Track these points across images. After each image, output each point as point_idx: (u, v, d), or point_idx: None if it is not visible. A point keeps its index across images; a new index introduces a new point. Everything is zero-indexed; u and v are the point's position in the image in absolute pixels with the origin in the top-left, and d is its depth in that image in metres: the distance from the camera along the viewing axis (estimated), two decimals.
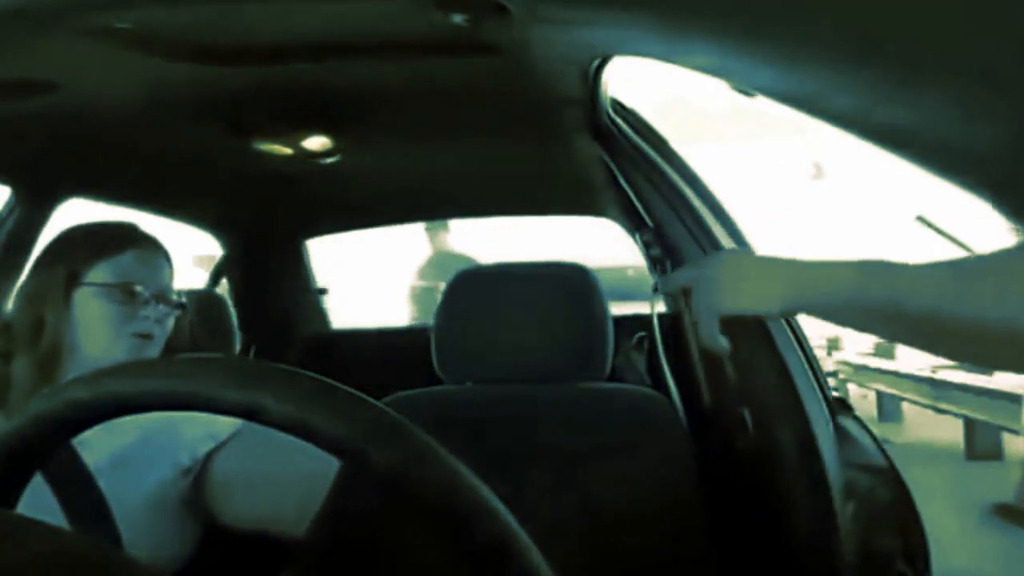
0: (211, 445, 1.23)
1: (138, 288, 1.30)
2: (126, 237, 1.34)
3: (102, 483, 0.82)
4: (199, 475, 1.23)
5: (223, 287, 2.83)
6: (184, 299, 1.38)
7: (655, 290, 1.67)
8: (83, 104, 1.44)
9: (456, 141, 1.95)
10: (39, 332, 1.27)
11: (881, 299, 0.77)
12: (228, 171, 2.04)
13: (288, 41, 1.26)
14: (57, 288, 1.28)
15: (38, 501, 0.66)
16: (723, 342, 0.95)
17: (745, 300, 0.92)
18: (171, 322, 1.35)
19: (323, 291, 3.10)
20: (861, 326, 0.84)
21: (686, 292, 1.01)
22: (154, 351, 1.32)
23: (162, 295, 1.33)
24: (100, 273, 1.29)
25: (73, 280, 1.28)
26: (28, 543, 0.46)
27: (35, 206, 1.81)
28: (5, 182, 1.80)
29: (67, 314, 1.27)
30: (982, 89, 0.43)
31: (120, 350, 1.27)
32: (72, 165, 1.82)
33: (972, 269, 0.72)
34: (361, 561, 1.29)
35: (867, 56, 0.52)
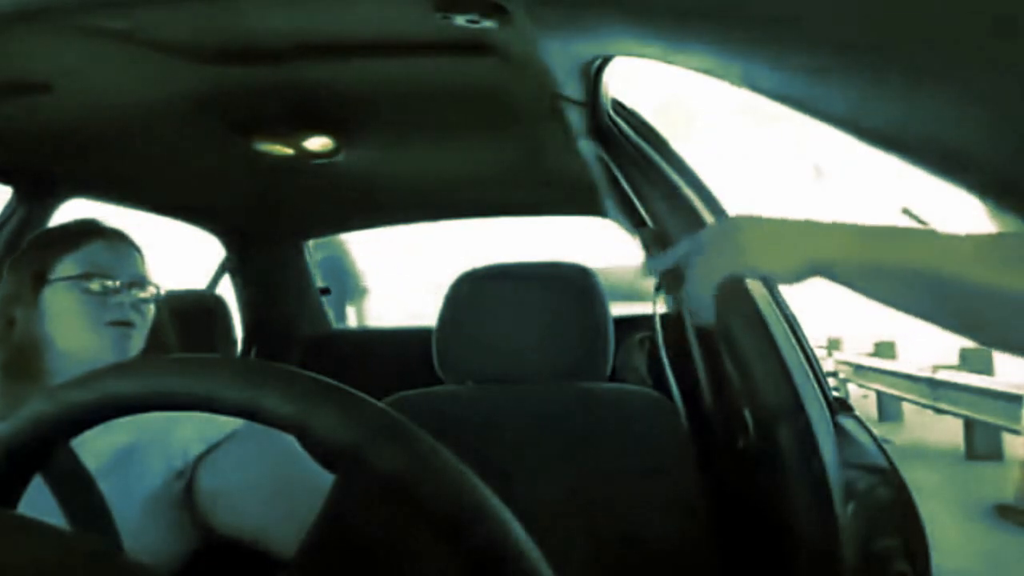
0: (202, 448, 1.22)
1: (107, 275, 1.30)
2: (88, 230, 1.35)
3: (103, 479, 0.82)
4: (190, 479, 1.23)
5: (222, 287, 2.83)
6: (160, 290, 1.38)
7: (657, 288, 1.67)
8: (83, 104, 1.44)
9: (457, 141, 1.95)
10: (10, 330, 1.28)
11: (905, 267, 0.73)
12: (229, 171, 2.04)
13: (289, 41, 1.26)
14: (25, 288, 1.29)
15: (38, 502, 0.66)
16: (711, 314, 0.92)
17: (755, 259, 0.87)
18: (150, 310, 1.35)
19: (324, 291, 3.10)
20: (886, 297, 0.79)
21: (675, 272, 0.96)
22: (137, 340, 1.32)
23: (135, 282, 1.33)
24: (67, 267, 1.29)
25: (40, 279, 1.29)
26: (29, 543, 0.46)
27: (36, 206, 1.81)
28: (6, 183, 1.80)
29: (36, 312, 1.28)
30: (981, 89, 0.43)
31: (101, 340, 1.27)
32: (72, 165, 1.82)
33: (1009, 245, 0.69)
34: (358, 570, 1.29)
35: (866, 56, 0.52)
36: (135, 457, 1.20)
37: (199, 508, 1.22)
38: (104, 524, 0.74)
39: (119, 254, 1.34)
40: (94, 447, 1.07)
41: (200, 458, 1.22)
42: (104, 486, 0.75)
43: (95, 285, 1.28)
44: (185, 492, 1.22)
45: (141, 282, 1.34)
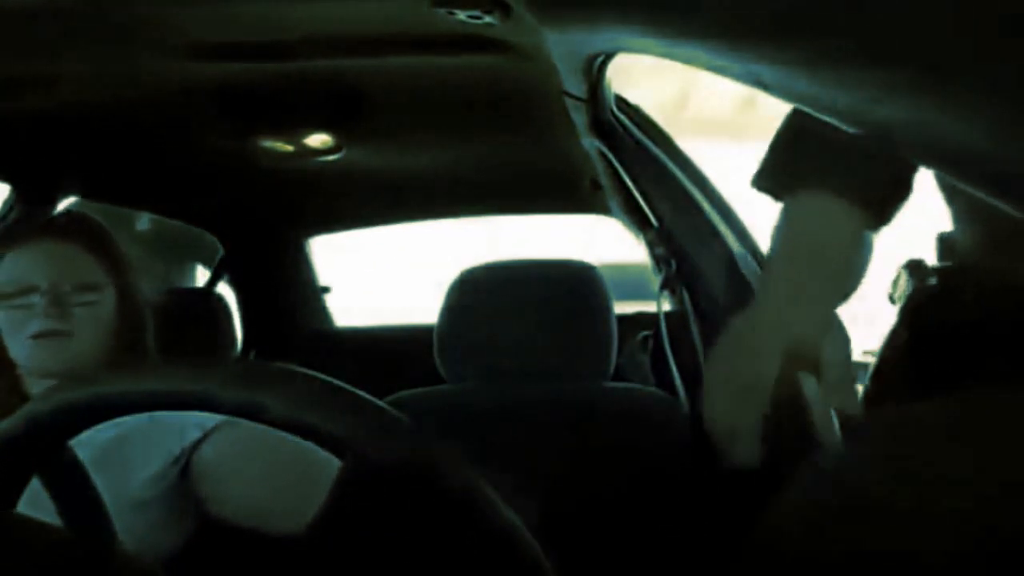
0: (198, 434, 1.22)
1: (27, 288, 1.23)
2: (8, 238, 1.29)
3: (93, 474, 0.81)
4: (186, 465, 1.23)
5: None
6: (99, 284, 1.29)
7: (662, 287, 1.67)
8: (82, 101, 1.44)
9: (458, 139, 1.95)
10: None
11: None
12: (229, 169, 2.04)
13: (290, 38, 1.26)
14: None
15: (35, 498, 0.66)
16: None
17: None
18: (91, 312, 1.27)
19: (326, 289, 3.10)
20: None
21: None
22: (79, 345, 1.25)
23: (61, 288, 1.24)
24: None
25: None
26: (27, 541, 0.46)
27: (35, 205, 1.81)
28: (5, 180, 1.80)
29: None
30: (983, 86, 0.43)
31: (29, 354, 1.23)
32: (72, 163, 1.82)
33: None
34: (363, 564, 1.29)
35: (869, 53, 0.52)
36: (131, 445, 1.19)
37: (196, 493, 1.22)
38: (99, 518, 0.74)
39: (45, 257, 1.26)
40: (89, 436, 1.07)
41: (196, 443, 1.22)
42: (100, 475, 0.75)
43: (15, 301, 1.23)
44: (181, 478, 1.22)
45: (72, 285, 1.26)
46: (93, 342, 1.27)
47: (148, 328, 1.37)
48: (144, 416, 1.21)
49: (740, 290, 1.49)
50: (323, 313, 3.11)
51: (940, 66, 0.46)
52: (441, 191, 2.56)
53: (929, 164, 0.54)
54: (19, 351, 1.24)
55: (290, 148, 1.75)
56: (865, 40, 0.51)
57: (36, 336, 1.23)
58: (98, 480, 0.78)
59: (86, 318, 1.26)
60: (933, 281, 0.99)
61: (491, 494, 0.56)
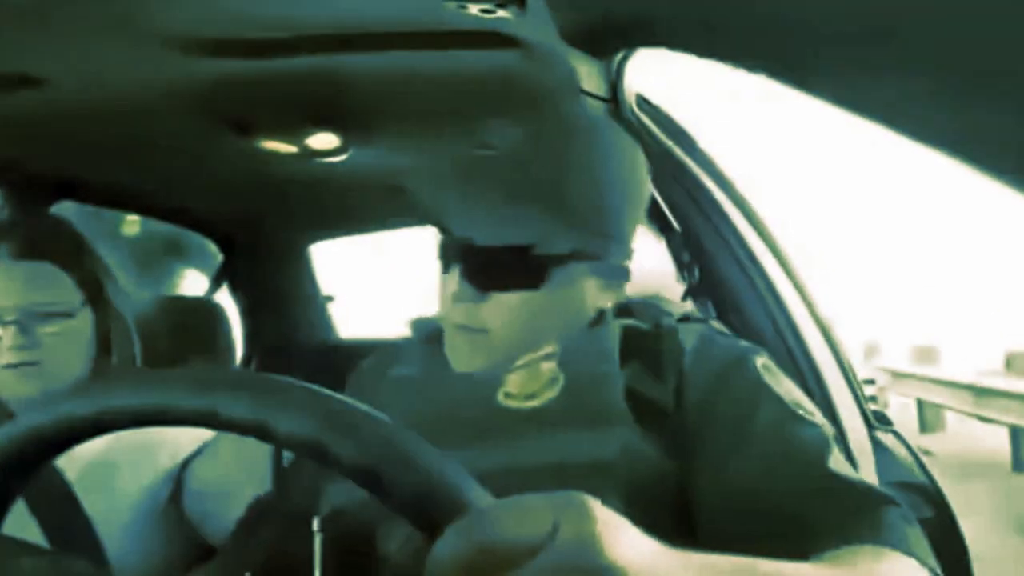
0: (189, 450, 1.22)
1: None
2: None
3: (86, 490, 0.81)
4: (179, 483, 1.22)
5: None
6: (71, 307, 1.27)
7: (685, 295, 1.66)
8: (75, 101, 1.44)
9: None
10: None
11: None
12: (227, 171, 2.04)
13: (292, 33, 1.26)
14: None
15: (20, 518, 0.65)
16: None
17: None
18: (63, 336, 1.25)
19: (329, 298, 3.09)
20: None
21: None
22: (47, 374, 1.23)
23: (26, 314, 1.23)
24: None
25: None
26: (15, 564, 0.46)
27: (25, 210, 1.82)
28: None
29: None
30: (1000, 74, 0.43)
31: (5, 383, 1.22)
32: (63, 165, 1.83)
33: None
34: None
35: (896, 49, 0.52)
36: (121, 463, 1.19)
37: (187, 513, 1.22)
38: (87, 540, 0.74)
39: (14, 279, 1.25)
40: (76, 453, 1.06)
41: (189, 460, 1.22)
42: (90, 494, 0.75)
43: None
44: (174, 497, 1.22)
45: (46, 312, 1.24)
46: (67, 366, 1.25)
47: (133, 342, 1.35)
48: (132, 432, 1.20)
49: (764, 297, 1.48)
50: (326, 323, 3.10)
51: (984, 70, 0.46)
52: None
53: (991, 173, 0.53)
54: None
55: (292, 149, 1.75)
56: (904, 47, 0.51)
57: (6, 367, 1.21)
58: (86, 500, 0.77)
59: (57, 344, 1.24)
60: None
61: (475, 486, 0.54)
